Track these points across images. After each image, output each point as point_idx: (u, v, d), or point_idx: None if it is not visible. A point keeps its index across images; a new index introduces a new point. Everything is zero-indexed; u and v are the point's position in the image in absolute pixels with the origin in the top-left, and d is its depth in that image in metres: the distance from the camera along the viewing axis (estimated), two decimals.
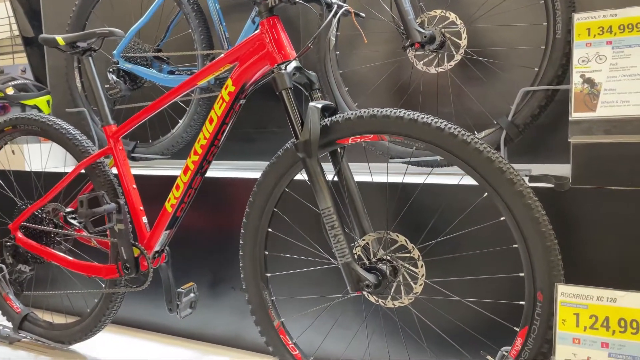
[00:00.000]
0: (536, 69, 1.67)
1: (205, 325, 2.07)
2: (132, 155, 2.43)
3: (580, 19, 1.52)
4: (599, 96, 1.44)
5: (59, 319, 2.12)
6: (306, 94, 1.50)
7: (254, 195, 1.54)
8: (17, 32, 4.11)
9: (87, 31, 1.71)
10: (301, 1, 1.38)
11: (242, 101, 1.54)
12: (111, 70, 2.31)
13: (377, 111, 1.34)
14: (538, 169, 1.85)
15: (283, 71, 1.37)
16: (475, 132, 1.81)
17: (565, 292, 1.15)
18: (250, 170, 2.17)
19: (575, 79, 1.48)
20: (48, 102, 2.57)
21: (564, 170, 1.71)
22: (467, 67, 1.89)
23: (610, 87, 1.43)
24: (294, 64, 1.41)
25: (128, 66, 2.30)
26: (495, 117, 1.77)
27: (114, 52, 2.32)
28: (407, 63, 1.98)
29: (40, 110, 2.52)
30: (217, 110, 1.52)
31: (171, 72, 2.34)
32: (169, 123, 2.37)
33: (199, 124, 2.30)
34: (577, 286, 1.15)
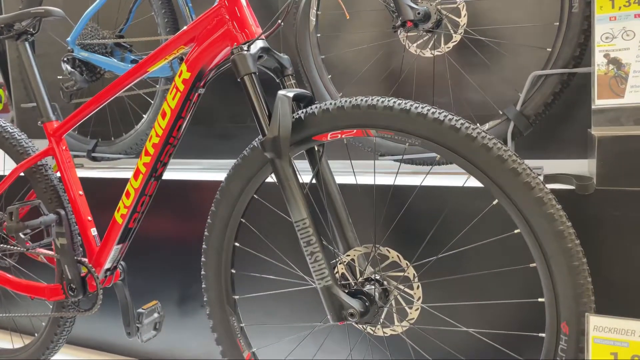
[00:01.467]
0: (549, 50, 1.45)
1: (174, 346, 1.83)
2: (93, 155, 2.18)
3: None
4: (627, 79, 1.21)
5: (3, 342, 1.87)
6: (277, 80, 1.25)
7: (216, 203, 1.29)
8: None
9: (21, 11, 1.45)
10: None
11: (201, 90, 1.29)
12: (65, 59, 2.05)
13: (361, 100, 1.09)
14: (550, 165, 1.62)
15: (245, 52, 1.12)
16: (478, 125, 1.57)
17: (599, 326, 0.91)
18: (211, 170, 1.93)
19: (599, 59, 1.24)
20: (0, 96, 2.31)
21: (581, 167, 1.48)
22: (467, 49, 1.65)
23: None
24: (259, 43, 1.17)
25: (84, 55, 2.04)
26: (501, 107, 1.53)
27: (68, 39, 2.06)
28: (398, 46, 1.74)
29: None
30: (171, 102, 1.27)
31: (135, 61, 2.09)
32: (132, 118, 2.12)
33: None
34: (615, 318, 0.91)
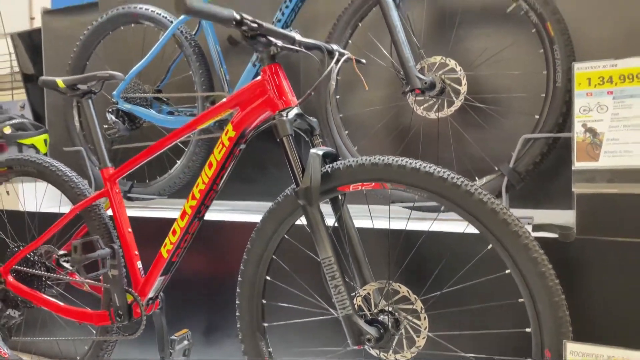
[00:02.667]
0: (537, 117, 1.67)
1: None
2: (129, 195, 2.40)
3: (580, 69, 1.53)
4: (601, 146, 1.43)
5: None
6: (307, 139, 1.49)
7: (252, 241, 1.51)
8: (17, 69, 4.15)
9: (88, 74, 1.70)
10: (303, 49, 1.38)
11: (242, 146, 1.52)
12: (110, 110, 2.31)
13: (379, 159, 1.32)
14: (540, 215, 1.83)
15: (284, 118, 1.36)
16: (477, 178, 1.80)
17: (575, 351, 1.11)
18: (248, 212, 2.14)
19: (577, 128, 1.48)
20: (45, 141, 2.56)
21: (567, 217, 1.69)
22: (467, 112, 1.89)
23: (612, 137, 1.43)
24: (295, 110, 1.40)
25: (127, 107, 2.30)
26: (496, 163, 1.76)
27: (114, 92, 2.32)
28: (407, 108, 1.98)
29: (37, 149, 2.50)
30: (217, 155, 1.50)
31: (170, 113, 2.34)
32: (166, 163, 2.35)
33: (197, 164, 2.28)
34: (588, 344, 1.11)
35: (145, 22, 2.31)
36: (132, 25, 2.39)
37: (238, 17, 1.22)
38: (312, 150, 1.35)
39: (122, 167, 1.70)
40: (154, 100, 2.35)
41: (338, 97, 2.03)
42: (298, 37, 1.40)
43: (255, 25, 1.25)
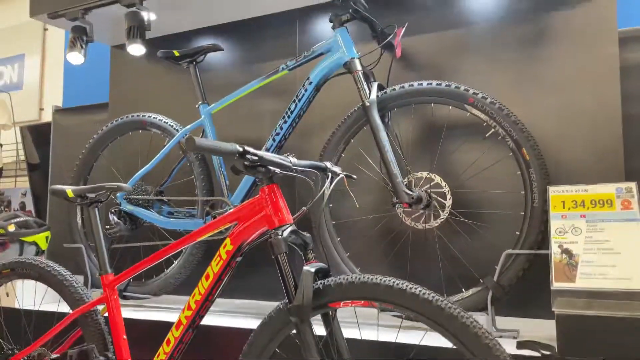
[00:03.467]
0: (517, 233, 1.77)
1: None
2: (124, 293, 2.44)
3: (554, 192, 1.66)
4: (577, 267, 1.52)
5: None
6: (300, 253, 1.57)
7: (245, 354, 1.54)
8: (22, 158, 4.31)
9: (96, 185, 1.81)
10: (299, 174, 1.50)
11: (239, 259, 1.60)
12: (113, 211, 2.40)
13: (368, 278, 1.39)
14: (528, 324, 1.87)
15: (280, 237, 1.45)
16: (463, 290, 1.86)
17: None
18: (242, 314, 2.17)
19: (554, 248, 1.58)
20: (47, 238, 2.63)
21: (552, 328, 1.74)
22: (453, 224, 2.00)
23: (587, 259, 1.52)
24: (290, 228, 1.49)
25: (129, 208, 2.40)
26: (481, 276, 1.84)
27: (118, 194, 2.43)
28: (397, 217, 2.09)
29: (38, 246, 2.57)
30: (214, 267, 1.58)
31: (170, 214, 2.43)
32: (163, 263, 2.41)
33: (193, 265, 2.34)
34: None
35: (153, 130, 2.47)
36: (140, 131, 2.55)
37: (241, 149, 1.35)
38: (305, 268, 1.43)
39: (122, 274, 1.76)
40: (155, 201, 2.46)
41: (331, 205, 2.14)
42: (294, 160, 1.52)
43: (256, 157, 1.38)
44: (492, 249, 1.92)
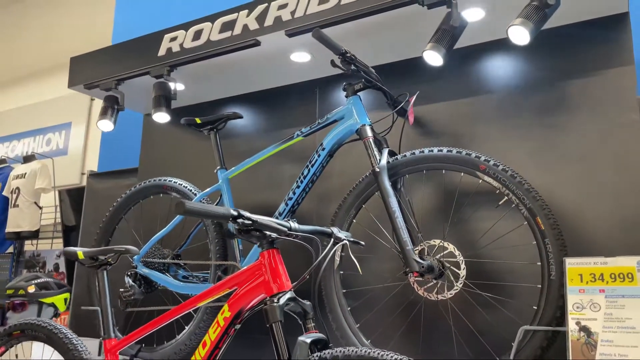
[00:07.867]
0: (535, 307, 1.66)
1: None
2: (135, 359, 2.40)
3: (571, 264, 1.56)
4: (596, 347, 1.40)
5: None
6: (299, 322, 1.51)
7: None
8: (59, 220, 4.47)
9: (106, 247, 1.85)
10: (301, 241, 1.48)
11: (238, 326, 1.56)
12: (129, 274, 2.42)
13: (365, 351, 1.32)
14: None
15: (275, 304, 1.41)
16: None
17: None
18: None
19: (572, 325, 1.46)
20: (66, 299, 2.66)
21: None
22: (467, 297, 1.90)
23: (607, 338, 1.40)
24: (288, 295, 1.45)
25: (145, 271, 2.41)
26: (497, 353, 1.72)
27: (135, 256, 2.45)
28: (410, 286, 2.01)
29: (56, 308, 2.60)
30: (211, 335, 1.54)
31: (186, 277, 2.43)
32: (175, 328, 2.38)
33: (204, 331, 2.30)
34: None
35: (173, 193, 2.53)
36: (161, 195, 2.61)
37: (235, 213, 1.35)
38: (300, 338, 1.37)
39: (125, 338, 1.75)
40: (172, 264, 2.47)
41: (342, 272, 2.09)
42: (294, 225, 1.50)
43: (249, 221, 1.37)
44: (510, 323, 1.80)
